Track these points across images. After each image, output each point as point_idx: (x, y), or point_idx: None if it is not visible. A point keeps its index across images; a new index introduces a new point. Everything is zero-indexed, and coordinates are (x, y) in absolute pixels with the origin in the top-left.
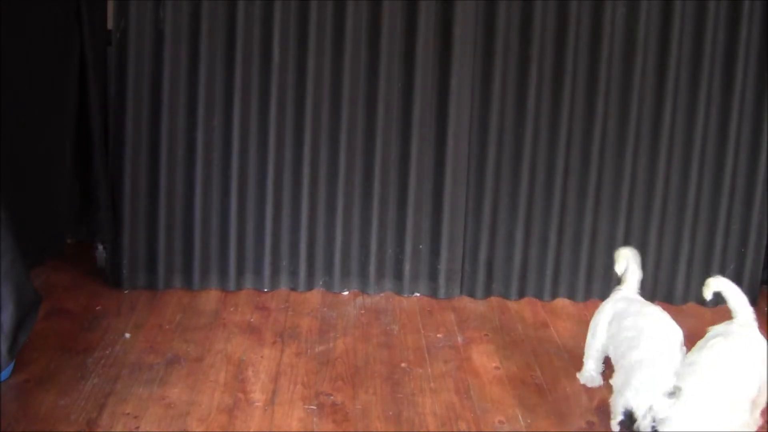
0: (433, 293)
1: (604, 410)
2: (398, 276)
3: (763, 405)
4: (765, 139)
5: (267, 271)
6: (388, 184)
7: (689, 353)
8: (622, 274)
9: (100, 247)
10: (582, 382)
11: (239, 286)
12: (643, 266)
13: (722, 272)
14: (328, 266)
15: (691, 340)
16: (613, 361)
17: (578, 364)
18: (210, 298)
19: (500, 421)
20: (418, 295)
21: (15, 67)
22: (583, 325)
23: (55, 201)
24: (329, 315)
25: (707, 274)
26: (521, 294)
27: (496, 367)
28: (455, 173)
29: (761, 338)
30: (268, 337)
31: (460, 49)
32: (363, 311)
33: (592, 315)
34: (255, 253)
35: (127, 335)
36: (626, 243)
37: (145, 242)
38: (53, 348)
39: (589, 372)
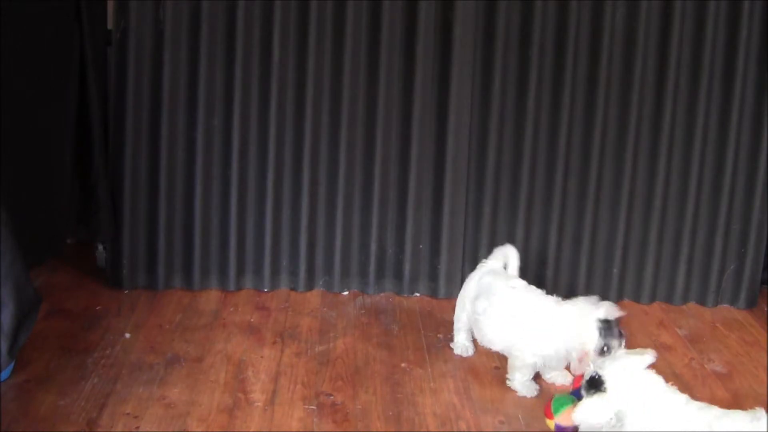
0: (433, 293)
1: None
2: (398, 276)
3: None
4: (765, 139)
5: (267, 271)
6: (388, 184)
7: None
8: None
9: (100, 247)
10: (457, 353)
11: (239, 286)
12: (643, 266)
13: (722, 272)
14: (328, 266)
15: (692, 340)
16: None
17: None
18: (210, 298)
19: (500, 421)
20: (418, 295)
21: (15, 67)
22: None
23: (55, 201)
24: (329, 315)
25: (707, 274)
26: None
27: (496, 367)
28: (455, 173)
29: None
30: (268, 337)
31: (460, 49)
32: (363, 311)
33: None
34: (255, 253)
35: (127, 335)
36: (626, 243)
37: (145, 242)
38: (53, 348)
39: (462, 342)
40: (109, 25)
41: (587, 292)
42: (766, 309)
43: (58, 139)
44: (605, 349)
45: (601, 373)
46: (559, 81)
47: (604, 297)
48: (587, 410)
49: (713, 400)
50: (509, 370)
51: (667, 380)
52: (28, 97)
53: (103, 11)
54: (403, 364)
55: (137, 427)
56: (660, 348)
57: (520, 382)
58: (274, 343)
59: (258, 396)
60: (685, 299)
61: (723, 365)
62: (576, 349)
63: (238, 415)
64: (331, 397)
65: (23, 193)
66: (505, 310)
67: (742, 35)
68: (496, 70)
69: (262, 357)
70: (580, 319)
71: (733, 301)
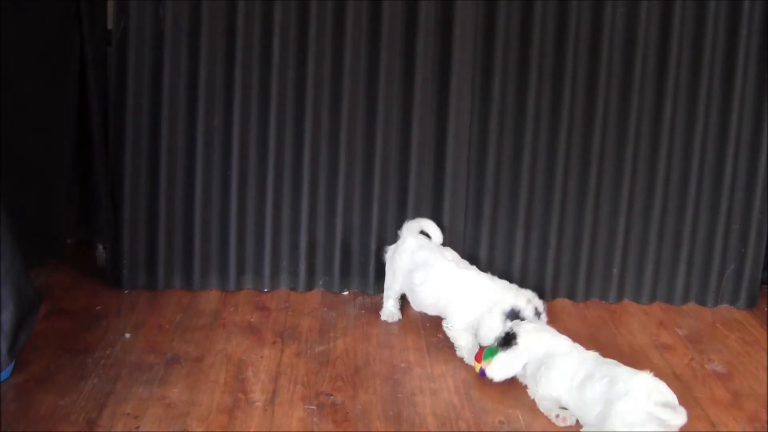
0: None
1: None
2: None
3: None
4: (765, 139)
5: (267, 271)
6: (388, 183)
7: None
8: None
9: (100, 247)
10: (384, 318)
11: (239, 286)
12: (643, 266)
13: (722, 272)
14: (328, 266)
15: (692, 340)
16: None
17: None
18: (210, 298)
19: (500, 421)
20: None
21: (15, 68)
22: (583, 324)
23: (55, 201)
24: (329, 315)
25: (707, 274)
26: None
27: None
28: (455, 173)
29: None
30: (268, 337)
31: (460, 49)
32: (363, 311)
33: (592, 315)
34: (255, 253)
35: (127, 335)
36: (626, 243)
37: (145, 242)
38: (53, 348)
39: (390, 309)
40: (109, 25)
41: (587, 292)
42: (766, 309)
43: (58, 140)
44: (505, 335)
45: (515, 330)
46: (559, 81)
47: (604, 297)
48: (501, 365)
49: (713, 401)
50: (453, 341)
51: (667, 380)
52: (28, 97)
53: (103, 11)
54: (403, 364)
55: (137, 427)
56: (660, 348)
57: (466, 349)
58: (274, 343)
59: (258, 396)
60: (685, 299)
61: (723, 365)
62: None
63: (238, 415)
64: (331, 397)
65: (23, 194)
66: (442, 281)
67: (742, 35)
68: (496, 70)
69: (262, 357)
70: (497, 299)
71: (733, 301)
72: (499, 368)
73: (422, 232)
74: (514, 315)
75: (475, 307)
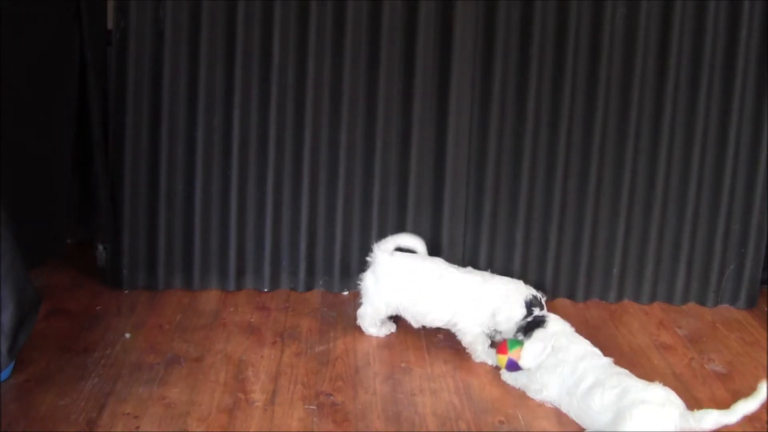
0: None
1: None
2: None
3: None
4: (765, 139)
5: (267, 271)
6: (388, 184)
7: None
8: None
9: (100, 247)
10: (384, 335)
11: (239, 286)
12: (643, 266)
13: (722, 272)
14: (328, 266)
15: (692, 340)
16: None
17: None
18: (210, 298)
19: (500, 421)
20: None
21: (15, 68)
22: (583, 325)
23: (55, 201)
24: (329, 315)
25: (707, 274)
26: None
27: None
28: (455, 173)
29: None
30: (268, 337)
31: (460, 49)
32: None
33: (592, 315)
34: (255, 253)
35: (127, 335)
36: (626, 243)
37: (145, 242)
38: (53, 348)
39: (379, 331)
40: (109, 25)
41: (587, 292)
42: (766, 309)
43: (58, 140)
44: (533, 321)
45: (541, 316)
46: (559, 81)
47: (603, 297)
48: (533, 350)
49: (713, 400)
50: (468, 348)
51: (667, 380)
52: (29, 98)
53: (103, 11)
54: (403, 364)
55: (137, 427)
56: (660, 348)
57: (483, 352)
58: (274, 343)
59: (258, 396)
60: (685, 299)
61: (723, 365)
62: (503, 319)
63: (238, 415)
64: (331, 397)
65: (23, 194)
66: (442, 290)
67: (742, 35)
68: (496, 70)
69: (262, 357)
70: (508, 295)
71: (733, 301)
72: (531, 354)
73: (401, 249)
74: (535, 303)
75: (486, 310)
